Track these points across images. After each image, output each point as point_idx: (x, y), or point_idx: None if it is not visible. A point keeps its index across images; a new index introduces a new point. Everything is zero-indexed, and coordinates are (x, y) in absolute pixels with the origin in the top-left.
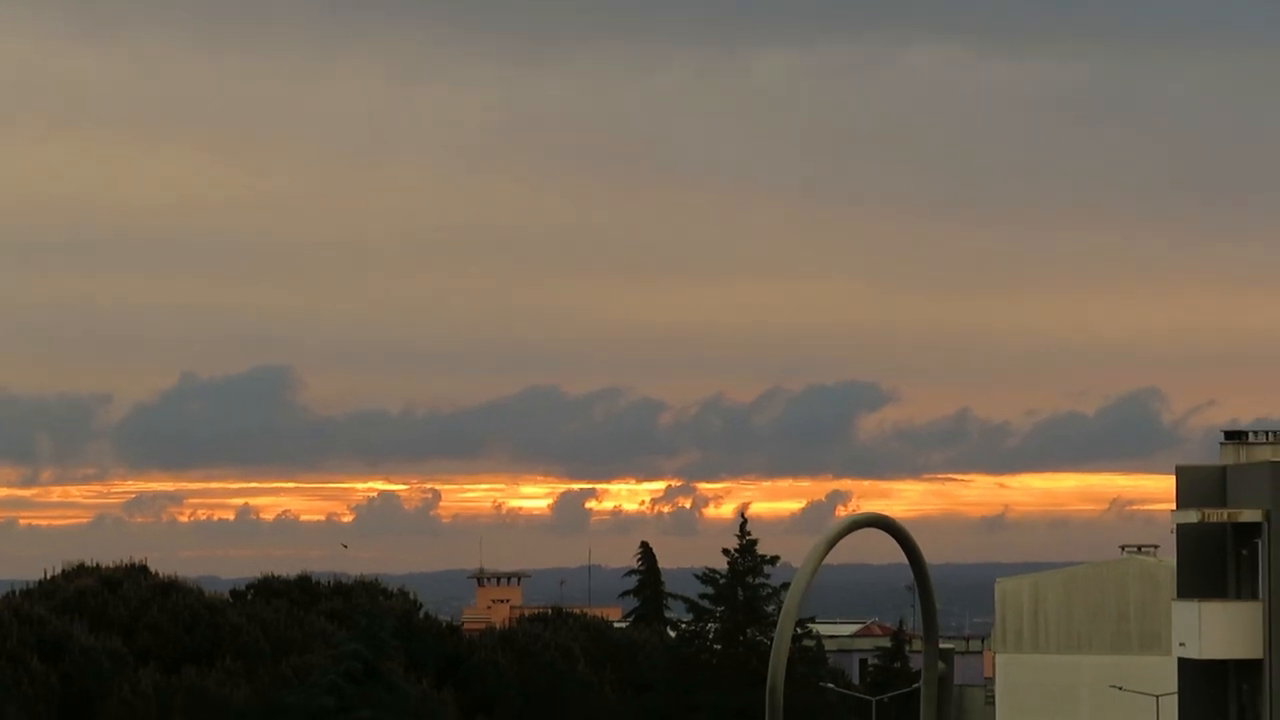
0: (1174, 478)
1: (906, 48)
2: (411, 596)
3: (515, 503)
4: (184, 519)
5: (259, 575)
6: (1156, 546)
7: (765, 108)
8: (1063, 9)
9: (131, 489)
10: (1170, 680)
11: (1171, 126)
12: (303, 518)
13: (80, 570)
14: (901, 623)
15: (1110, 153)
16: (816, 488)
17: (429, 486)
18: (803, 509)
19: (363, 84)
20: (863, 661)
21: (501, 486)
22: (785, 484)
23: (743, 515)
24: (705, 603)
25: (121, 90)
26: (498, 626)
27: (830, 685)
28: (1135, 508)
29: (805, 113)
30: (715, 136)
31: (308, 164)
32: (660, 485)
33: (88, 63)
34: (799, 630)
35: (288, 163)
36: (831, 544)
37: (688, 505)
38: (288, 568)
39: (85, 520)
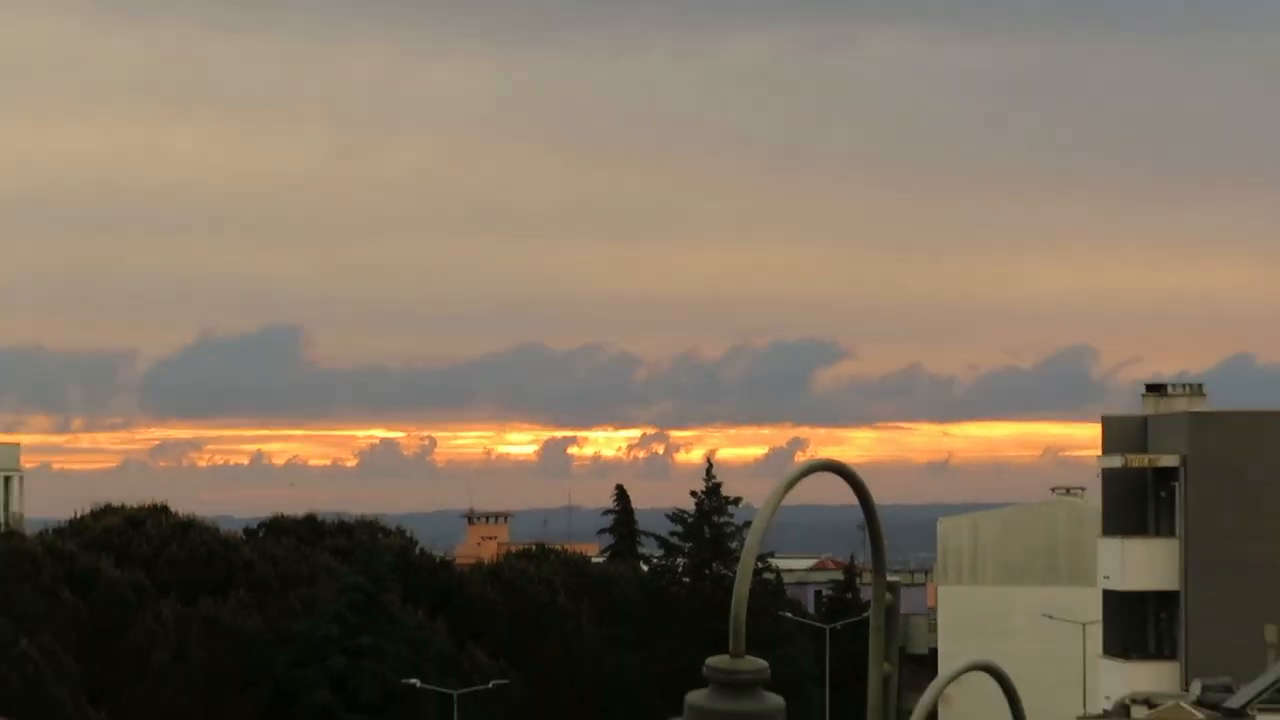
0: (1100, 426)
1: (864, 32)
2: (408, 534)
3: (503, 449)
4: (202, 464)
5: (269, 515)
6: (1084, 489)
7: (735, 87)
8: None
9: (154, 436)
10: (1096, 610)
11: (1104, 106)
12: (310, 463)
13: (107, 510)
14: (852, 558)
15: (1050, 129)
16: (777, 435)
17: (425, 434)
18: (764, 455)
19: (368, 65)
20: (817, 593)
21: (490, 434)
22: (749, 432)
23: (710, 460)
24: (675, 540)
25: (145, 70)
26: (486, 561)
27: (788, 614)
28: (1065, 454)
29: (771, 92)
30: (689, 114)
31: (317, 139)
32: (635, 433)
33: (114, 44)
34: (759, 564)
35: (299, 138)
36: (789, 487)
37: (660, 451)
38: (296, 508)
39: (112, 465)
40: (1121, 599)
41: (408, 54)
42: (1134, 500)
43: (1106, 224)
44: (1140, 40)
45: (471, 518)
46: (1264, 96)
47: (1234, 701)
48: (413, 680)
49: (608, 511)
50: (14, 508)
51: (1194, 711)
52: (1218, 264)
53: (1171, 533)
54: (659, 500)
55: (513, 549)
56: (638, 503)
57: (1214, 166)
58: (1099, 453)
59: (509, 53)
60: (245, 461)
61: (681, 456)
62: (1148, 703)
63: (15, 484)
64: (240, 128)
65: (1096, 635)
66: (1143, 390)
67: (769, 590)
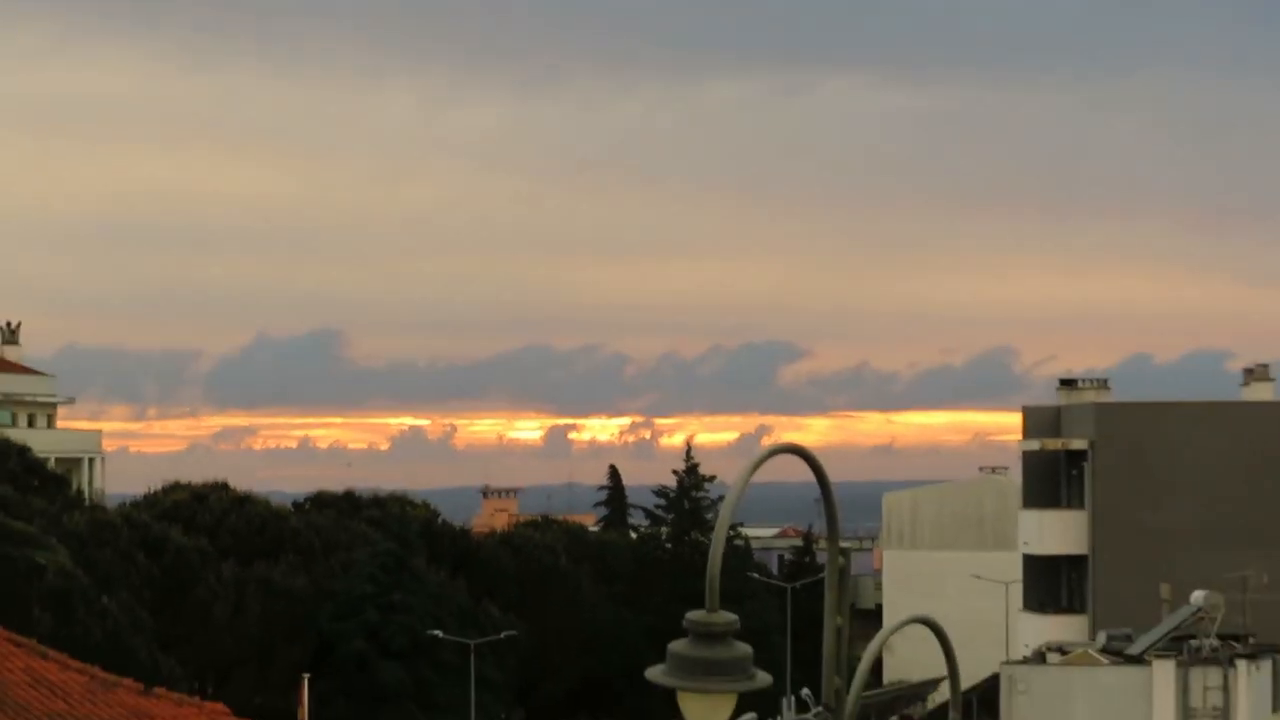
0: (1021, 415)
1: (820, 80)
2: (432, 507)
3: (513, 434)
4: (257, 447)
5: (314, 490)
6: (1007, 468)
7: (712, 127)
8: (940, 50)
9: (216, 424)
10: (1016, 571)
11: (1022, 141)
12: (349, 446)
13: (176, 487)
14: (810, 527)
15: (978, 161)
16: (746, 423)
17: (447, 421)
18: (735, 439)
19: (400, 105)
20: (780, 557)
21: (503, 421)
22: (722, 420)
23: (689, 444)
24: (659, 512)
25: (213, 111)
26: (499, 530)
27: (755, 575)
28: (991, 438)
29: (743, 131)
30: (673, 149)
31: (356, 169)
32: (626, 421)
33: (187, 90)
34: (731, 533)
35: (341, 168)
36: (756, 467)
37: (647, 436)
38: (337, 485)
39: (180, 448)
40: (1038, 562)
41: (432, 100)
42: (1049, 478)
43: (1026, 243)
44: (1051, 86)
45: (486, 493)
46: (1155, 134)
47: (1134, 649)
48: (436, 631)
49: (602, 488)
50: (97, 484)
51: (1099, 657)
52: (1120, 277)
53: (1081, 505)
54: (646, 478)
55: (521, 519)
56: (628, 480)
57: (1114, 194)
58: (1020, 437)
59: (518, 99)
60: (293, 445)
61: (665, 441)
62: (1060, 650)
63: (98, 464)
64: (291, 162)
65: (1017, 593)
66: (1057, 384)
67: (739, 555)
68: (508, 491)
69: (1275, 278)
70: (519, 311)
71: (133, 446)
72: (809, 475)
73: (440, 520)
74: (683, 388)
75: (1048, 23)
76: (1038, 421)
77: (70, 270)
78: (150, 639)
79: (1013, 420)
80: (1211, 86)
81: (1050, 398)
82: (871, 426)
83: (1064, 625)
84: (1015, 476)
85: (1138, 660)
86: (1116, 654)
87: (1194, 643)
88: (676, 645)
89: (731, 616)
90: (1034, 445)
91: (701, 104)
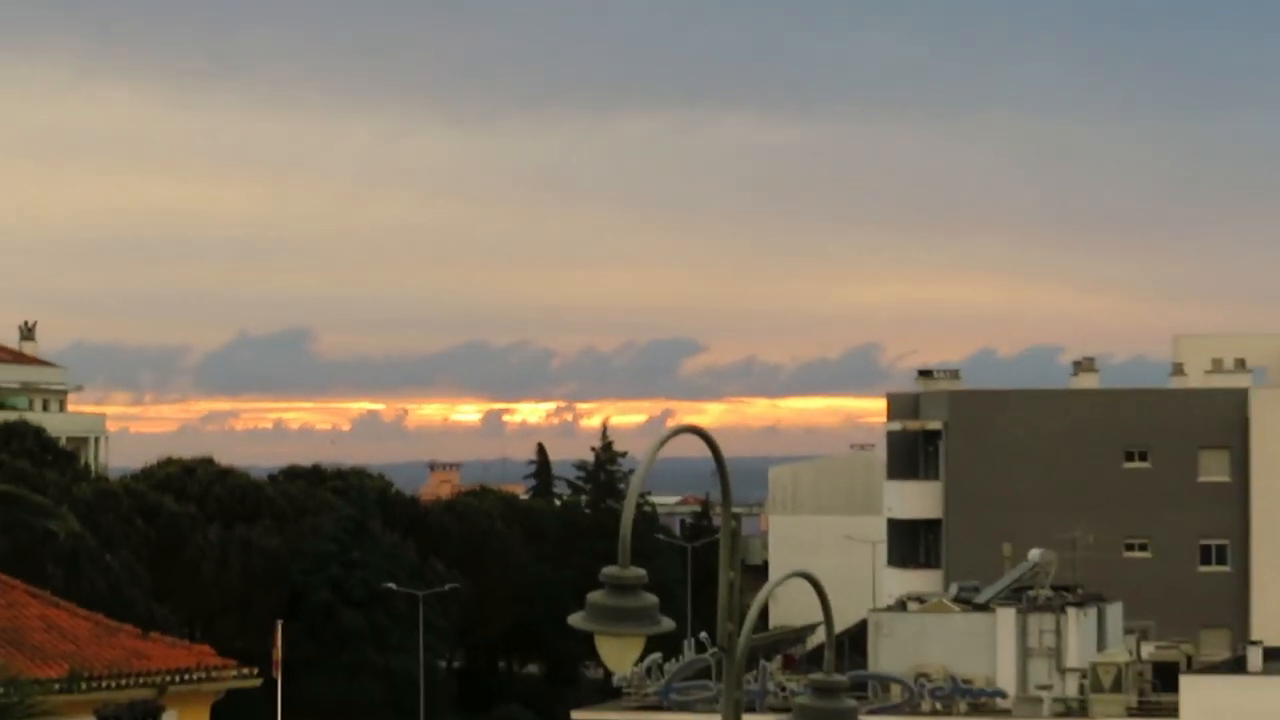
0: (885, 401)
1: (719, 116)
2: (386, 479)
3: (456, 416)
4: (238, 428)
5: (286, 465)
6: (874, 446)
7: (624, 155)
8: (817, 92)
9: (203, 408)
10: (882, 532)
11: (890, 168)
12: (316, 427)
13: (169, 461)
14: (707, 495)
15: (850, 185)
16: (654, 407)
17: (399, 405)
18: (644, 421)
19: (358, 138)
20: (682, 521)
21: (447, 405)
22: (633, 404)
23: (605, 426)
24: (580, 482)
25: (202, 139)
26: (443, 498)
27: (661, 536)
28: (860, 420)
29: (651, 159)
30: (595, 174)
31: (322, 192)
32: (552, 405)
33: (178, 122)
34: (640, 500)
35: (309, 190)
36: (661, 445)
37: (569, 419)
38: (306, 460)
39: (172, 429)
40: (900, 525)
41: (385, 134)
42: (909, 454)
43: (890, 255)
44: (910, 122)
45: (432, 466)
46: (997, 163)
47: (980, 598)
48: (390, 584)
49: (531, 462)
50: (101, 460)
51: (951, 606)
52: (969, 284)
53: (936, 477)
54: (568, 454)
55: (462, 489)
56: (553, 456)
57: (964, 214)
58: (884, 420)
59: (458, 132)
60: (269, 426)
61: (584, 423)
62: (919, 600)
63: (102, 442)
64: (266, 184)
65: (882, 551)
66: (916, 375)
67: (647, 519)
68: (451, 465)
69: (1099, 285)
70: (461, 313)
71: (132, 428)
72: (706, 452)
73: (393, 490)
74: (599, 377)
75: (907, 68)
76: (900, 406)
77: (79, 277)
78: (147, 591)
79: (878, 405)
80: (1044, 122)
81: (910, 386)
82: (759, 411)
83: (921, 579)
84: (880, 453)
85: (984, 608)
86: (966, 603)
87: (1031, 593)
88: (594, 596)
89: (640, 571)
90: (896, 426)
91: (616, 137)
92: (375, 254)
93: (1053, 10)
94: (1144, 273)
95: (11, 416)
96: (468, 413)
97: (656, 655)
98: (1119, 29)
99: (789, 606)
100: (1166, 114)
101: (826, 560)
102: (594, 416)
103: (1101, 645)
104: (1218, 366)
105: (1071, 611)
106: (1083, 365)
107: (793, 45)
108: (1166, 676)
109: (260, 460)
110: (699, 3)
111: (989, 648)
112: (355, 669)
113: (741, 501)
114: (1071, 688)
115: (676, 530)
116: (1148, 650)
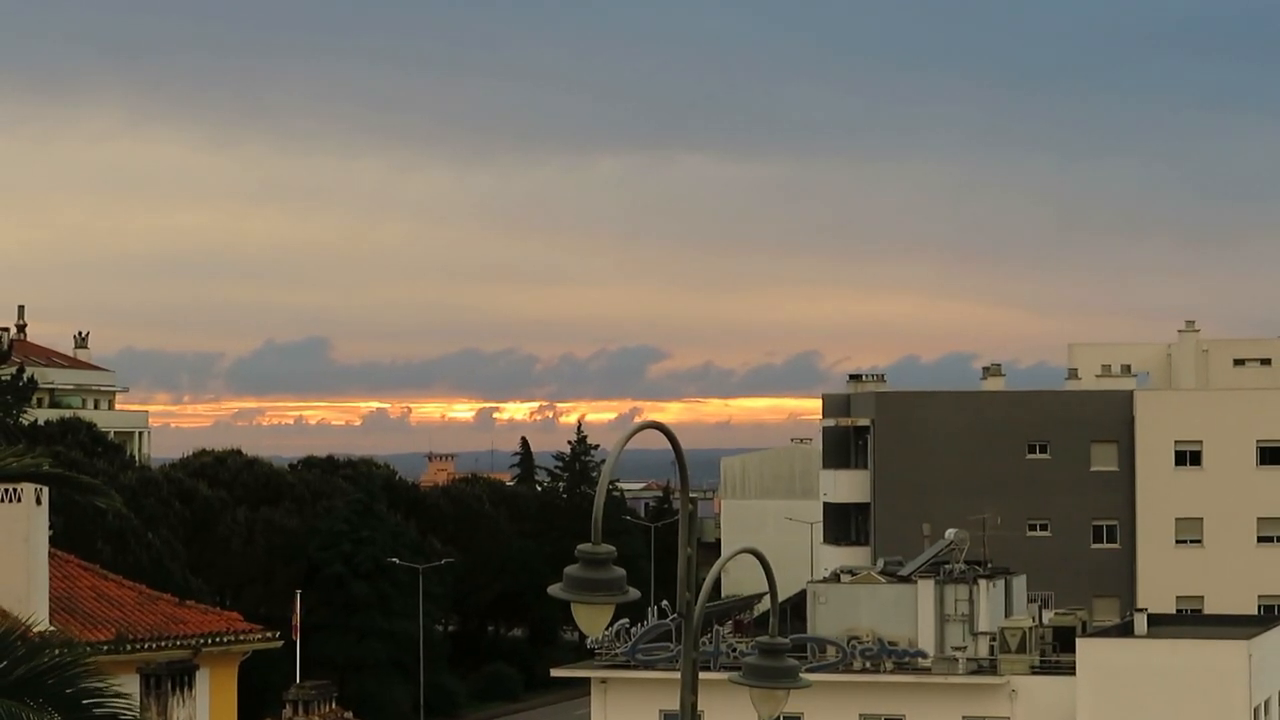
0: (821, 401)
1: (680, 156)
2: (391, 468)
3: (452, 414)
4: (265, 423)
5: (305, 455)
6: (812, 439)
7: (600, 189)
8: (766, 134)
9: (234, 407)
10: (818, 514)
11: (823, 201)
12: (331, 422)
13: (203, 453)
14: (668, 482)
15: (794, 215)
16: (623, 406)
17: (404, 404)
18: (615, 418)
19: (371, 172)
20: (646, 504)
21: (445, 404)
22: (605, 404)
23: (580, 422)
24: (558, 471)
25: (233, 177)
26: (440, 484)
27: (628, 517)
28: (801, 417)
29: (623, 192)
30: (573, 208)
31: (339, 220)
32: (535, 404)
33: (214, 162)
34: (610, 486)
35: (327, 219)
36: (628, 439)
37: (550, 416)
38: (322, 451)
39: (207, 424)
40: (834, 508)
41: (394, 169)
42: (842, 446)
43: (828, 275)
44: (846, 160)
45: (431, 457)
46: (920, 193)
47: (904, 571)
48: (393, 559)
49: (516, 453)
50: (145, 451)
51: (879, 578)
52: (896, 300)
53: (865, 466)
54: (548, 447)
55: (457, 477)
56: (535, 448)
57: (892, 239)
58: (820, 417)
59: (457, 168)
60: (290, 422)
61: (563, 419)
62: (850, 572)
63: (146, 436)
64: (291, 214)
65: (819, 531)
66: (848, 378)
67: (616, 503)
68: (447, 456)
69: (1005, 301)
70: (458, 324)
71: (172, 423)
72: (667, 445)
73: (397, 477)
74: (576, 380)
75: (841, 117)
76: (834, 405)
77: (127, 293)
78: (183, 564)
79: (816, 405)
80: (957, 163)
81: (843, 388)
82: (713, 409)
83: (853, 554)
84: (817, 445)
85: (907, 580)
86: (891, 575)
87: (948, 567)
88: (570, 569)
89: (610, 548)
90: (831, 423)
91: (592, 174)
92: (384, 274)
93: (964, 70)
94: (1044, 291)
95: (67, 414)
96: (462, 411)
97: (624, 621)
98: (1017, 88)
99: (739, 578)
100: (1060, 158)
101: (771, 538)
102: (571, 414)
103: (1008, 612)
104: (1107, 371)
105: (982, 583)
106: (991, 370)
107: (743, 96)
108: (1064, 639)
109: (282, 451)
110: (664, 60)
111: (911, 614)
112: (364, 632)
113: (697, 487)
114: (983, 649)
115: (641, 512)
116: (1048, 616)
